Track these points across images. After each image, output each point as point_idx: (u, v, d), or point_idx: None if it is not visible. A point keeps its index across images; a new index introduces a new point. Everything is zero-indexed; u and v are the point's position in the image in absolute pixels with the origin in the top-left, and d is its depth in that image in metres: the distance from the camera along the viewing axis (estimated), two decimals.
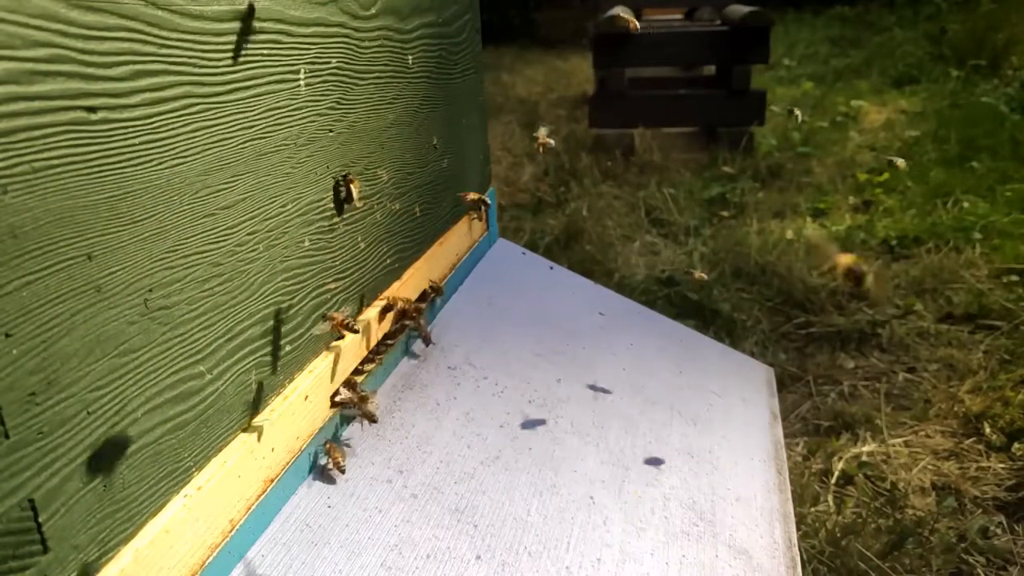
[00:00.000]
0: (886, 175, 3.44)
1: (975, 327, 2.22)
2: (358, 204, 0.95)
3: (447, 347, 1.19)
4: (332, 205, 0.92)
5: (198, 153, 0.68)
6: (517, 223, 3.21)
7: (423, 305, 1.17)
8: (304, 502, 0.82)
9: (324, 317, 0.87)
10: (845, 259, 1.17)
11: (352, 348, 0.97)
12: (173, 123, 0.64)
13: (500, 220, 3.13)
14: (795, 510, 1.20)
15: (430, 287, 1.23)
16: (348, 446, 0.91)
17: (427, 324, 1.15)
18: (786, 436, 1.60)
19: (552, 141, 1.20)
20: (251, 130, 0.75)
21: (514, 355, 1.23)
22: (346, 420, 0.95)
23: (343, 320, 0.87)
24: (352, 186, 0.93)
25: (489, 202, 1.32)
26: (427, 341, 1.14)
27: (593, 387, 1.21)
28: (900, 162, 1.31)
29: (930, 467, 1.67)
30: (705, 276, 1.24)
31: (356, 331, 0.90)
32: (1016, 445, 1.70)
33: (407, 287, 1.15)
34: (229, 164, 0.72)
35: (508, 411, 1.08)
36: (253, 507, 0.75)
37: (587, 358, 1.30)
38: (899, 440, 1.76)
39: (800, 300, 2.41)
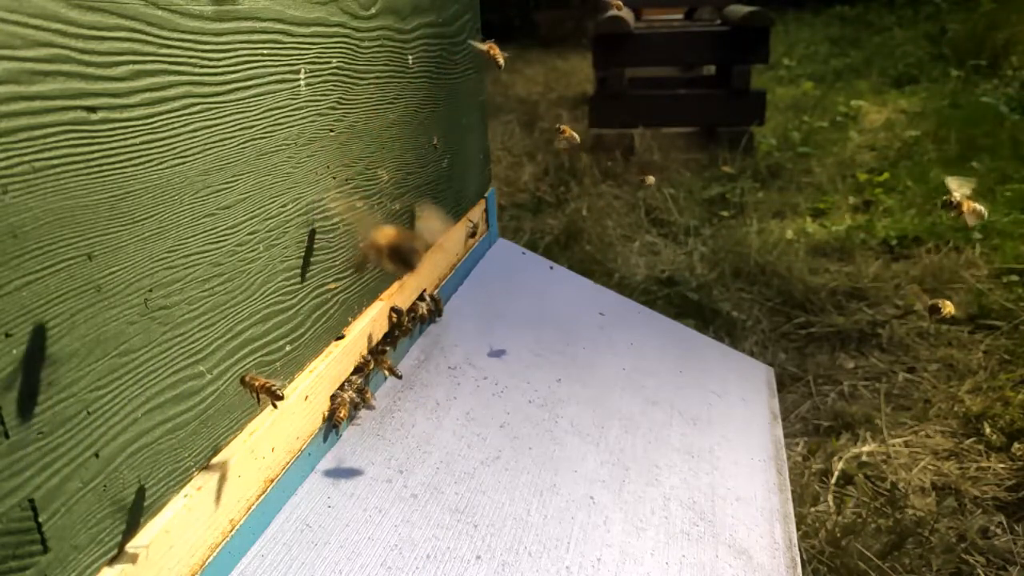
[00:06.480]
0: (886, 175, 3.44)
1: (975, 327, 2.22)
2: (502, 63, 0.94)
3: (447, 347, 1.19)
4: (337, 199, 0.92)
5: (198, 153, 0.68)
6: (517, 223, 3.21)
7: (419, 312, 1.17)
8: (304, 502, 0.82)
9: (243, 380, 0.73)
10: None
11: (352, 349, 0.97)
12: (173, 123, 0.64)
13: (500, 220, 3.13)
14: (795, 510, 1.20)
15: (431, 301, 1.22)
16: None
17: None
18: (786, 436, 1.60)
19: (576, 136, 1.24)
20: (251, 130, 0.75)
21: (514, 355, 1.23)
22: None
23: (265, 384, 0.72)
24: (494, 52, 0.92)
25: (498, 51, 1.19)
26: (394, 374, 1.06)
27: (593, 387, 1.21)
28: (949, 306, 1.15)
29: (930, 467, 1.67)
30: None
31: (280, 397, 0.73)
32: (1016, 445, 1.70)
33: (407, 288, 1.15)
34: (229, 164, 0.72)
35: (508, 411, 1.08)
36: (253, 507, 0.75)
37: (587, 358, 1.30)
38: (899, 440, 1.76)
39: (800, 300, 2.41)
